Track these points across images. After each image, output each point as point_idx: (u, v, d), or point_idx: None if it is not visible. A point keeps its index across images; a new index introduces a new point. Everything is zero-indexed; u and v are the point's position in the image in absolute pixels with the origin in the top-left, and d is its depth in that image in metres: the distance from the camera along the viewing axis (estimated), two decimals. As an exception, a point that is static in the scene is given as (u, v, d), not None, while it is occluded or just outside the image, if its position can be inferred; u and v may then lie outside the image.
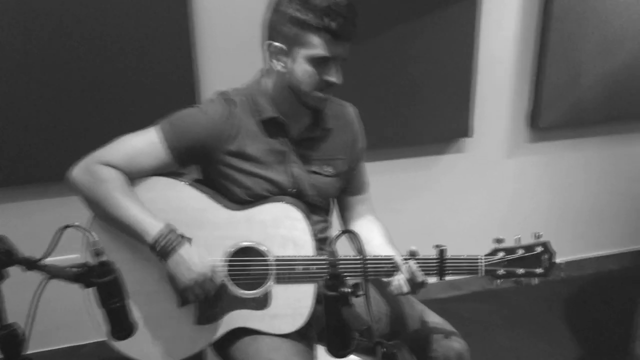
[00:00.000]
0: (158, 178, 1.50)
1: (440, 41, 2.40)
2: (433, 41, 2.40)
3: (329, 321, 1.11)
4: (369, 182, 1.75)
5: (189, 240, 1.44)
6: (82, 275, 1.08)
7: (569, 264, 3.05)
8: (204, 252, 1.43)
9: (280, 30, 1.43)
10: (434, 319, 1.63)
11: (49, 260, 1.08)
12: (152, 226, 1.40)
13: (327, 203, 1.67)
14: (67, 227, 1.07)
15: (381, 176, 2.58)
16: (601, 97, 2.68)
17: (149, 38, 2.08)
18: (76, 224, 1.09)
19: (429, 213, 2.73)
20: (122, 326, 1.12)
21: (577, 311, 2.76)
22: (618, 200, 2.97)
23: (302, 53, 1.42)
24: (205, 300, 1.47)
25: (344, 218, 1.75)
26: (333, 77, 1.45)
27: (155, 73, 2.12)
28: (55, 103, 2.06)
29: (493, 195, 2.82)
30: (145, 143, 1.47)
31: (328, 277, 1.11)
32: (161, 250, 1.40)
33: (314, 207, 1.60)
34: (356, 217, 1.73)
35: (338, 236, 1.15)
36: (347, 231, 1.16)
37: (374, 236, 1.67)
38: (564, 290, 2.93)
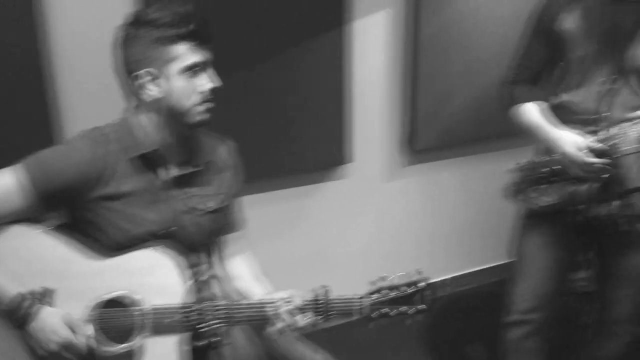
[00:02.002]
0: (19, 226, 1.39)
1: (313, 70, 2.41)
2: (306, 70, 2.40)
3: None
4: (245, 218, 1.72)
5: (50, 297, 1.34)
6: None
7: (454, 279, 3.14)
8: (67, 311, 1.34)
9: (143, 58, 1.38)
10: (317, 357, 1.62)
11: None
12: (6, 292, 1.30)
13: (207, 242, 1.62)
14: None
15: (263, 208, 2.55)
16: (469, 118, 2.79)
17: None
18: None
19: (312, 242, 2.71)
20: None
21: (464, 324, 2.84)
22: (493, 215, 3.09)
23: (174, 68, 1.38)
24: None
25: (220, 257, 1.71)
26: (212, 82, 1.43)
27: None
28: None
29: (375, 220, 2.85)
30: (7, 184, 1.36)
31: (196, 326, 1.06)
32: (19, 319, 1.29)
33: (195, 246, 1.54)
34: (232, 256, 1.69)
35: (204, 281, 1.12)
36: (213, 276, 1.12)
37: (244, 275, 1.65)
38: (451, 306, 3.00)
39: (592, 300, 2.07)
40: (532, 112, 1.86)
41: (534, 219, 1.93)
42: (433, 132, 2.75)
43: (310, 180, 2.63)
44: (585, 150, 1.66)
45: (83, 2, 2.02)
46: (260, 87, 2.34)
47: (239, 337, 1.58)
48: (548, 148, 1.86)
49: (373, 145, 2.72)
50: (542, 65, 1.87)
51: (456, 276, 3.16)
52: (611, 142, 1.63)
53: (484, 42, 2.69)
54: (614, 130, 1.64)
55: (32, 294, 1.32)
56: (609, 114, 1.68)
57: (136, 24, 1.39)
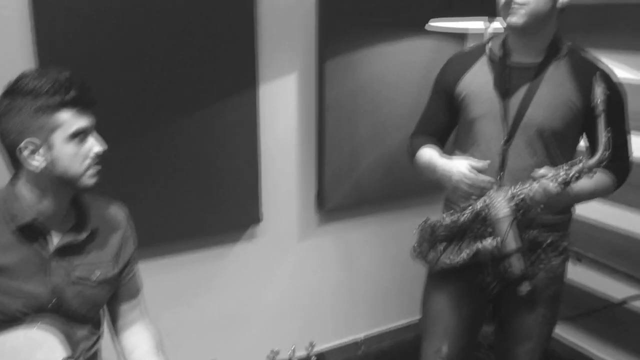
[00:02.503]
0: None
1: (225, 130, 2.44)
2: (218, 131, 2.42)
3: None
4: (141, 285, 1.67)
5: None
6: None
7: (368, 339, 3.16)
8: None
9: (25, 129, 1.35)
10: None
11: None
12: None
13: (95, 313, 1.56)
14: None
15: (174, 272, 2.50)
16: (377, 178, 2.89)
17: None
18: None
19: (225, 304, 2.67)
20: None
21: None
22: (403, 273, 3.16)
23: (59, 136, 1.36)
24: None
25: (115, 327, 1.65)
26: (98, 146, 1.42)
27: None
28: None
29: (286, 280, 2.85)
30: None
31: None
32: None
33: (81, 319, 1.49)
34: (127, 326, 1.64)
35: (92, 356, 1.08)
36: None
37: (143, 347, 1.60)
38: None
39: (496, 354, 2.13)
40: (425, 152, 1.95)
41: (437, 278, 1.98)
42: (342, 191, 2.81)
43: (223, 241, 2.62)
44: (470, 170, 1.75)
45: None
46: (174, 147, 2.34)
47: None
48: (445, 206, 1.96)
49: (285, 204, 2.74)
50: (442, 124, 2.00)
51: (371, 334, 3.18)
52: (487, 208, 1.71)
53: (389, 107, 2.81)
54: (492, 196, 1.72)
55: None
56: (502, 173, 1.78)
57: (14, 94, 1.36)
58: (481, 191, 1.74)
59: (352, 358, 3.10)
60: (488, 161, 1.77)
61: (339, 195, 2.81)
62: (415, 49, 2.81)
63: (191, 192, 2.43)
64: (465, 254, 1.78)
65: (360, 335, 3.14)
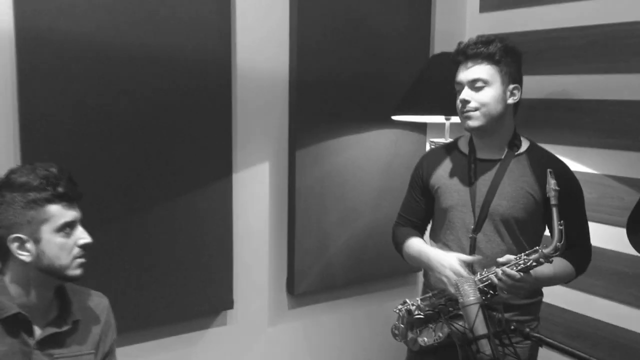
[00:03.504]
0: None
1: (199, 216, 2.50)
2: (192, 217, 2.49)
3: None
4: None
5: None
6: None
7: None
8: None
9: (12, 224, 1.40)
10: None
11: None
12: None
13: None
14: None
15: (146, 358, 2.48)
16: (346, 262, 2.97)
17: None
18: None
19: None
20: None
21: None
22: (375, 355, 3.19)
23: (47, 229, 1.42)
24: None
25: None
26: (85, 238, 1.48)
27: None
28: None
29: (259, 365, 2.85)
30: None
31: None
32: None
33: None
34: None
35: None
36: None
37: None
38: None
39: None
40: (414, 243, 2.10)
41: (416, 357, 2.06)
42: (312, 275, 2.88)
43: (195, 327, 2.62)
44: (459, 263, 1.87)
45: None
46: (147, 233, 2.39)
47: None
48: (424, 290, 2.07)
49: (256, 289, 2.79)
50: (420, 213, 2.18)
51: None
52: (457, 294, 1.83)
53: (356, 192, 2.94)
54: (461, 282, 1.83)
55: None
56: (474, 258, 1.91)
57: (4, 189, 1.43)
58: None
59: None
60: (479, 257, 1.92)
61: (309, 280, 2.87)
62: (379, 138, 2.98)
63: (165, 278, 2.45)
64: (438, 335, 1.87)
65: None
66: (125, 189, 2.32)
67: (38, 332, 1.48)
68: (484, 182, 1.96)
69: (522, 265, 1.77)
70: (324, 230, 2.88)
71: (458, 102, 1.93)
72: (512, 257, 1.81)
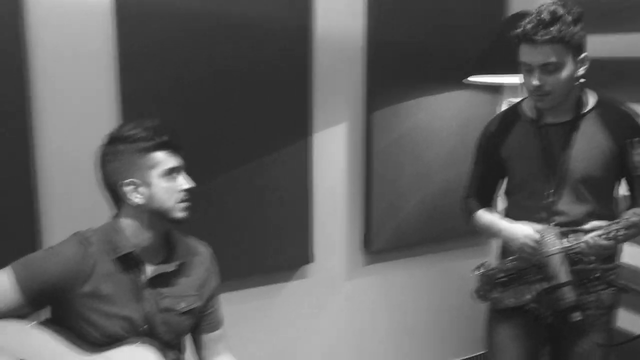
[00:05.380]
0: (9, 321, 1.48)
1: (280, 177, 2.64)
2: (273, 177, 2.63)
3: None
4: (223, 318, 1.84)
5: None
6: None
7: (412, 377, 3.25)
8: None
9: (125, 170, 1.57)
10: None
11: None
12: None
13: (179, 341, 1.72)
14: None
15: (229, 307, 2.64)
16: (421, 220, 3.04)
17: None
18: None
19: (277, 340, 2.82)
20: None
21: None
22: (449, 312, 3.28)
23: (155, 174, 1.57)
24: None
25: (201, 357, 1.80)
26: (187, 184, 1.63)
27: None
28: None
29: (335, 318, 2.99)
30: None
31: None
32: None
33: (166, 345, 1.65)
34: (213, 356, 1.79)
35: None
36: None
37: None
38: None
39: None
40: (484, 215, 2.14)
41: (500, 314, 2.11)
42: (388, 233, 2.97)
43: (276, 280, 2.79)
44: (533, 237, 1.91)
45: (69, 122, 2.23)
46: (233, 192, 2.54)
47: None
48: (503, 253, 2.12)
49: (334, 246, 2.91)
50: (490, 185, 2.20)
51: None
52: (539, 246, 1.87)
53: (430, 153, 3.00)
54: (544, 234, 1.88)
55: None
56: (551, 225, 1.93)
57: (115, 141, 1.60)
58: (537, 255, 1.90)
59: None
60: (550, 226, 1.92)
61: (385, 237, 2.97)
62: (453, 100, 3.01)
63: (249, 234, 2.62)
64: (529, 295, 1.96)
65: (405, 373, 3.24)
66: (213, 151, 2.47)
67: (148, 271, 1.63)
68: (556, 145, 1.95)
69: (612, 235, 1.78)
70: (399, 189, 2.96)
71: (528, 83, 1.88)
72: (597, 223, 1.83)
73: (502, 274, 2.04)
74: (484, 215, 2.14)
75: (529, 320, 2.04)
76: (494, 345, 2.15)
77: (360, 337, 3.08)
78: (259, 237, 2.64)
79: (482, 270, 2.10)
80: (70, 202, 2.23)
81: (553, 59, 1.80)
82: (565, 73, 1.83)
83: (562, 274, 1.73)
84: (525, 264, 1.97)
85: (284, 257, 2.73)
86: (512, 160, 2.06)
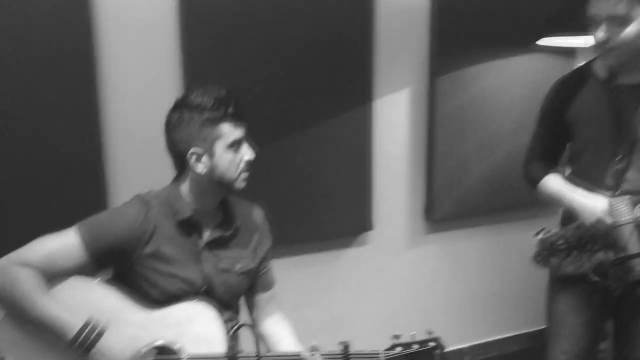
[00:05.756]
0: (74, 278, 1.54)
1: (341, 142, 2.62)
2: (335, 143, 2.61)
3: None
4: (275, 280, 1.86)
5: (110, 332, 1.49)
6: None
7: (473, 348, 3.21)
8: (124, 345, 1.49)
9: (191, 139, 1.58)
10: None
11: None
12: (70, 324, 1.46)
13: (235, 301, 1.76)
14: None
15: (289, 272, 2.68)
16: (485, 189, 2.96)
17: (59, 144, 2.16)
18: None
19: (336, 306, 2.83)
20: None
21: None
22: (511, 284, 3.20)
23: (220, 145, 1.57)
24: None
25: (253, 317, 1.84)
26: (250, 154, 1.63)
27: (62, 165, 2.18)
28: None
29: (395, 286, 2.97)
30: (63, 244, 1.53)
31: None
32: (81, 346, 1.44)
33: (224, 305, 1.68)
34: (265, 316, 1.83)
35: (235, 329, 1.27)
36: (243, 324, 1.26)
37: (284, 335, 1.79)
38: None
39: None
40: (552, 183, 2.01)
41: (561, 283, 2.04)
42: (450, 202, 2.92)
43: (335, 246, 2.79)
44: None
45: (137, 89, 2.27)
46: (296, 157, 2.55)
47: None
48: (565, 219, 2.03)
49: (394, 213, 2.88)
50: (555, 150, 2.07)
51: (475, 344, 3.23)
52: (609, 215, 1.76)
53: (497, 121, 2.91)
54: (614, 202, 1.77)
55: (96, 326, 1.47)
56: (618, 192, 1.83)
57: (182, 108, 1.59)
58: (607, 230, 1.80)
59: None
60: (622, 196, 1.81)
61: (447, 206, 2.91)
62: (523, 65, 2.89)
63: (310, 199, 2.62)
64: (589, 264, 1.86)
65: (465, 344, 3.20)
66: (274, 116, 2.47)
67: (206, 235, 1.67)
68: (628, 109, 1.82)
69: None
70: (463, 157, 2.88)
71: (595, 37, 1.77)
72: None
73: (563, 241, 1.95)
74: (552, 183, 2.01)
75: (591, 292, 1.96)
76: (554, 314, 2.08)
77: (420, 306, 3.05)
78: (319, 203, 2.64)
79: (541, 236, 2.02)
80: (136, 163, 2.30)
81: (621, 11, 1.69)
82: (634, 28, 1.71)
83: (633, 245, 1.64)
84: (587, 232, 1.87)
85: (343, 224, 2.72)
86: (579, 123, 1.94)
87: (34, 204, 2.15)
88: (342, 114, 2.59)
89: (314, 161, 2.60)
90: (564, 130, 2.00)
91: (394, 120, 2.78)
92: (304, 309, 2.74)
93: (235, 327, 1.39)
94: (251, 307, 1.84)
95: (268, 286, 1.83)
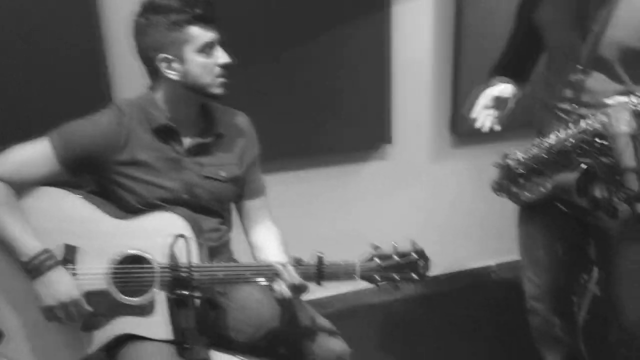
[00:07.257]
0: (48, 188, 1.55)
1: (356, 48, 2.48)
2: (348, 48, 2.48)
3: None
4: (265, 186, 1.83)
5: (72, 254, 1.52)
6: None
7: (500, 265, 3.12)
8: (73, 283, 1.50)
9: (159, 45, 1.52)
10: (319, 321, 1.70)
11: None
12: (27, 247, 1.47)
13: (224, 208, 1.75)
14: None
15: (305, 184, 2.64)
16: (517, 102, 2.75)
17: (59, 49, 2.14)
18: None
19: (352, 221, 2.79)
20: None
21: (509, 313, 2.81)
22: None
23: (190, 49, 1.52)
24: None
25: (244, 225, 1.82)
26: (224, 58, 1.57)
27: (65, 76, 2.17)
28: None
29: (417, 201, 2.89)
30: (34, 153, 1.54)
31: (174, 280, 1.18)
32: (31, 271, 1.47)
33: (211, 212, 1.68)
34: (254, 224, 1.81)
35: (174, 241, 1.25)
36: (181, 236, 1.24)
37: (269, 244, 1.76)
38: (496, 293, 3.00)
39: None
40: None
41: (526, 211, 1.93)
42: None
43: (352, 160, 2.71)
44: None
45: None
46: (307, 64, 2.44)
47: (250, 298, 1.68)
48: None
49: (414, 127, 2.75)
50: (523, 53, 1.92)
51: (504, 261, 3.14)
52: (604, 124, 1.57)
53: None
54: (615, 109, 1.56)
55: (52, 255, 1.48)
56: (576, 106, 1.66)
57: (147, 12, 1.52)
58: None
59: (484, 283, 3.10)
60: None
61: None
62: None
63: (324, 109, 2.53)
64: (544, 189, 1.71)
65: (492, 261, 3.12)
66: (286, 23, 2.35)
67: (186, 142, 1.64)
68: (595, 10, 1.60)
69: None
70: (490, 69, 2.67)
71: None
72: (621, 98, 1.52)
73: (519, 166, 1.79)
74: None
75: (562, 221, 1.80)
76: (520, 246, 1.98)
77: (444, 222, 2.97)
78: (333, 114, 2.55)
79: (501, 162, 1.86)
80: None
81: None
82: None
83: (630, 157, 1.47)
84: (545, 153, 1.69)
85: (359, 136, 2.63)
86: (547, 26, 1.74)
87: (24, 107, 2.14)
88: (358, 19, 2.44)
89: (327, 69, 2.49)
90: (533, 33, 1.80)
91: (417, 25, 2.60)
92: (320, 223, 2.72)
93: (175, 238, 1.36)
94: (241, 216, 1.82)
95: (257, 193, 1.80)
